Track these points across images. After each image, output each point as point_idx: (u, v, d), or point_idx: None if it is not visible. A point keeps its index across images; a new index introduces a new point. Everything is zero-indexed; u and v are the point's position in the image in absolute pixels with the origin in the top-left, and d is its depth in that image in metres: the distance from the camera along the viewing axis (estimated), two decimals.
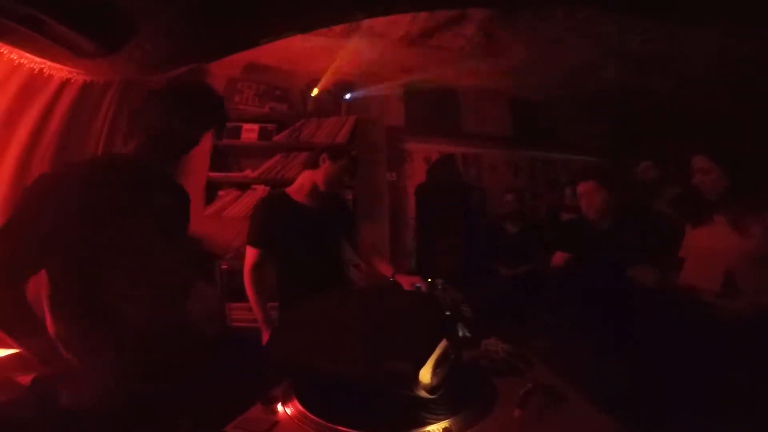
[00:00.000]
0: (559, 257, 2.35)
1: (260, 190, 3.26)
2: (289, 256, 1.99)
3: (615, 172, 2.42)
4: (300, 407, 1.06)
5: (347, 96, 3.45)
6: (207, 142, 3.20)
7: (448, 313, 1.76)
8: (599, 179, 2.27)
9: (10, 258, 1.07)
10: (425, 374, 1.02)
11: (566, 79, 3.38)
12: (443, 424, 0.99)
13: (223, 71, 3.32)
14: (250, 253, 1.95)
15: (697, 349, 1.77)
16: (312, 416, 1.02)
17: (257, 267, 1.95)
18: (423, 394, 1.02)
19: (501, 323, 1.92)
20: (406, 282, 1.98)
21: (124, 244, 1.20)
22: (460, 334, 1.64)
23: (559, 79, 3.44)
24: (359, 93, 3.50)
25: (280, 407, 1.07)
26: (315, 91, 3.40)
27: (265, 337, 1.92)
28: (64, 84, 1.71)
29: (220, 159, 3.30)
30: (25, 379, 1.17)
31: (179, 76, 2.08)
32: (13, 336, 1.10)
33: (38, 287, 1.23)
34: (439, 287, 2.09)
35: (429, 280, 2.10)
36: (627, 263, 2.05)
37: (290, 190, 2.09)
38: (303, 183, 2.07)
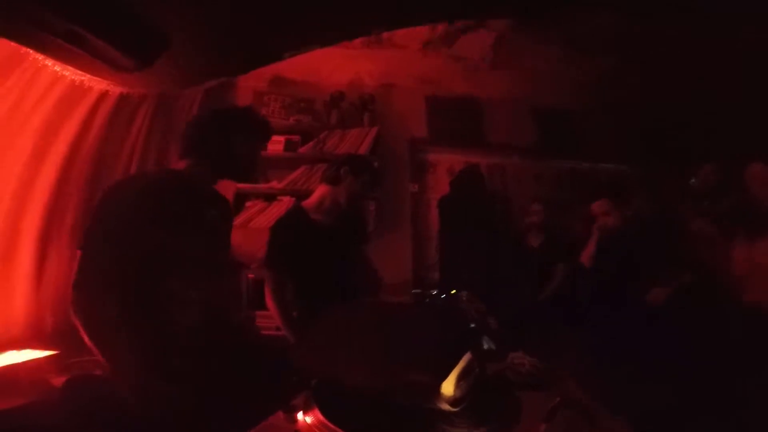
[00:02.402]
0: (586, 255, 2.25)
1: (286, 201, 3.31)
2: (308, 275, 1.96)
3: (645, 182, 2.34)
4: (321, 417, 1.05)
5: (369, 107, 3.47)
6: None
7: (473, 325, 1.74)
8: (612, 197, 2.23)
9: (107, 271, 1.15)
10: (448, 387, 1.00)
11: (591, 86, 3.32)
12: None
13: (249, 84, 3.42)
14: (272, 277, 1.93)
15: (748, 367, 1.69)
16: (333, 426, 1.01)
17: (279, 289, 1.92)
18: (445, 406, 1.00)
19: (529, 337, 1.87)
20: None
21: (180, 255, 1.27)
22: (486, 346, 1.61)
23: (584, 87, 3.38)
24: (381, 104, 3.51)
25: (300, 416, 1.07)
26: (338, 103, 3.44)
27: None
28: (103, 96, 1.79)
29: None
30: (59, 381, 1.21)
31: (212, 92, 2.16)
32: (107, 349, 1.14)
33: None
34: (464, 299, 2.06)
35: (453, 292, 2.07)
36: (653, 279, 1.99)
37: (308, 204, 2.06)
38: (323, 199, 2.04)
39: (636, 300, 2.04)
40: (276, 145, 3.38)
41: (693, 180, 2.77)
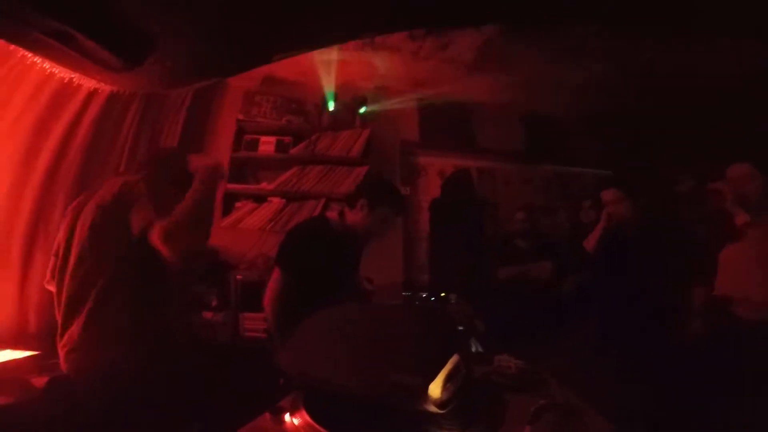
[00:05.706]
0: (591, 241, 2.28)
1: (276, 203, 3.30)
2: (314, 281, 1.88)
3: (638, 183, 2.37)
4: (308, 418, 1.05)
5: (362, 110, 3.48)
6: (225, 154, 3.28)
7: (460, 327, 1.75)
8: (622, 188, 2.25)
9: None
10: (435, 389, 1.00)
11: (580, 92, 3.36)
12: None
13: (241, 84, 3.40)
14: (281, 278, 1.87)
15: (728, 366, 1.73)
16: (320, 428, 1.01)
17: (284, 291, 1.86)
18: (432, 408, 1.00)
19: (517, 339, 1.89)
20: None
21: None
22: (473, 349, 1.62)
23: (573, 92, 3.42)
24: (374, 107, 3.52)
25: (288, 417, 1.07)
26: (331, 105, 3.44)
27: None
28: (92, 94, 1.78)
29: (237, 171, 3.36)
30: (39, 381, 1.20)
31: (203, 91, 2.12)
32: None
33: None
34: (453, 302, 2.07)
35: (442, 294, 2.09)
36: (652, 276, 2.01)
37: (332, 216, 2.03)
38: (340, 221, 2.00)
39: (634, 296, 2.05)
40: (267, 146, 3.37)
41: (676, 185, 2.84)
